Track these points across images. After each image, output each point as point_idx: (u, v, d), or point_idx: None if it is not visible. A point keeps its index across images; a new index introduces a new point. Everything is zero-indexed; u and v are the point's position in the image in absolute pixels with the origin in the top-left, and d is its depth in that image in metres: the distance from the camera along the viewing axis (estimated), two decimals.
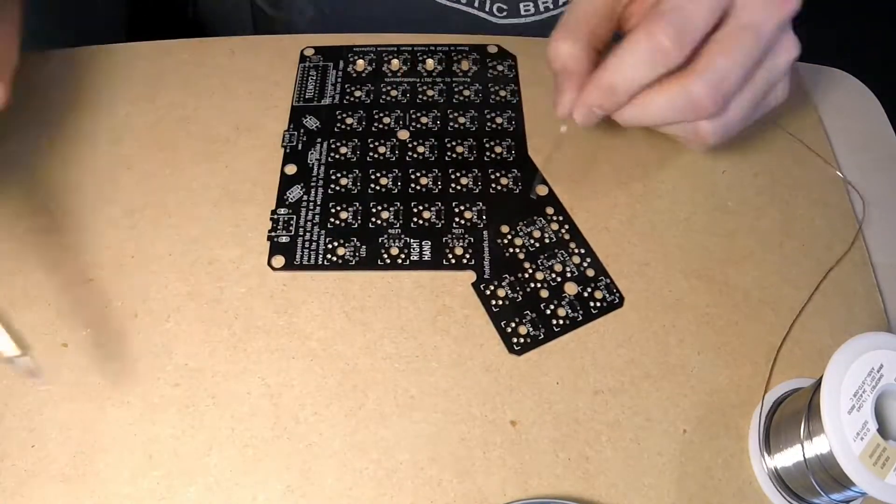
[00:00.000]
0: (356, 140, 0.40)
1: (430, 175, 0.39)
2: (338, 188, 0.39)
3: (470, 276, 0.36)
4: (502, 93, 0.43)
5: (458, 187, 0.39)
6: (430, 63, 0.43)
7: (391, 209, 0.38)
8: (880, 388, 0.28)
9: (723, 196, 0.40)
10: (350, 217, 0.38)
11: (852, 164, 0.42)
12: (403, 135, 0.41)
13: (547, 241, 0.37)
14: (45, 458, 0.31)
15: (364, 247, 0.37)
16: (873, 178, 0.41)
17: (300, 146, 0.40)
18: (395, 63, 0.43)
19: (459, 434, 0.32)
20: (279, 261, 0.36)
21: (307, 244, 0.37)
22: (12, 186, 0.38)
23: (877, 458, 0.27)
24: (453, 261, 0.36)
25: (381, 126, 0.41)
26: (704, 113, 0.32)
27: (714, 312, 0.36)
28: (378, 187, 0.39)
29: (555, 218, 0.38)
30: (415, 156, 0.40)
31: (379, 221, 0.38)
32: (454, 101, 0.42)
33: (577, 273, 0.36)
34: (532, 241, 0.37)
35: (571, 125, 0.35)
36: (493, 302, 0.35)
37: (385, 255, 0.36)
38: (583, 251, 0.37)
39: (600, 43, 0.35)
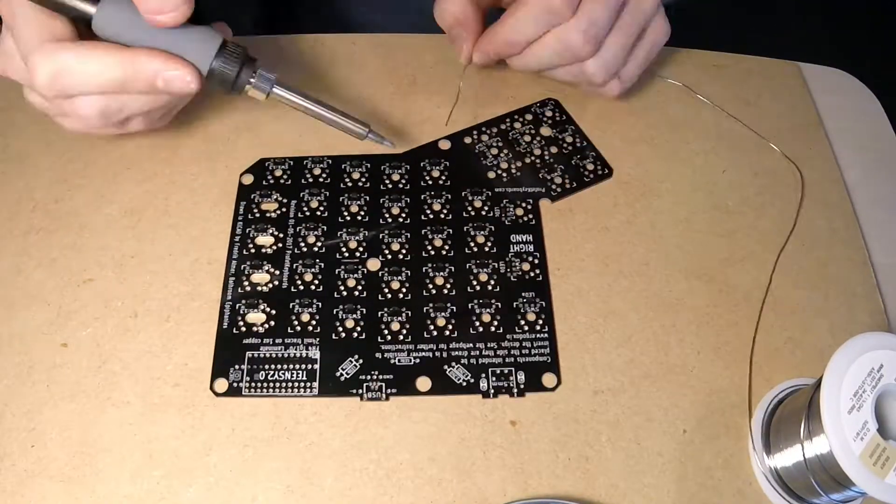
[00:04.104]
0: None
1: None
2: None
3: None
4: None
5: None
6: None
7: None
8: (880, 388, 0.28)
9: (723, 196, 0.40)
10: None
11: (852, 164, 0.42)
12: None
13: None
14: (45, 458, 0.31)
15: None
16: (873, 178, 0.41)
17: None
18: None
19: (459, 434, 0.32)
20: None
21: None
22: (12, 186, 0.38)
23: (877, 458, 0.27)
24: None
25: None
26: (582, 55, 0.36)
27: (714, 312, 0.36)
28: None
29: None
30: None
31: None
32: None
33: None
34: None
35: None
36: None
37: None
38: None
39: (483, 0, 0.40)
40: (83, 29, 0.33)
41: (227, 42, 0.33)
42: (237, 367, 0.33)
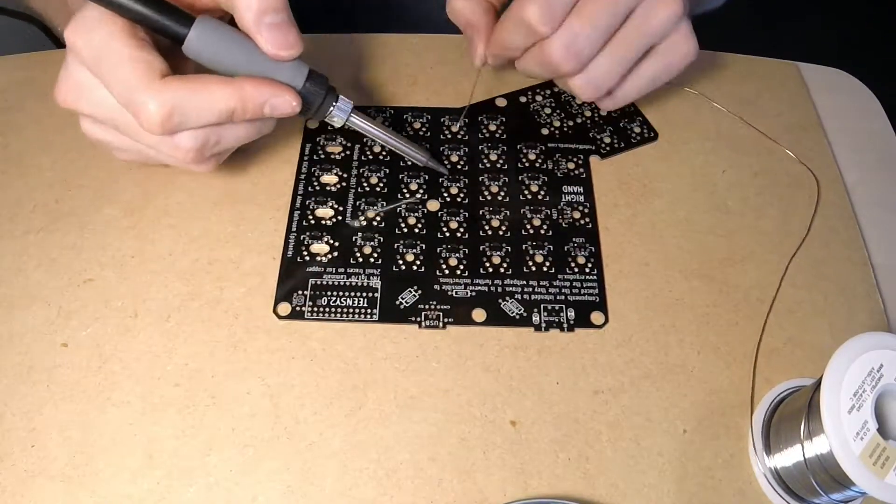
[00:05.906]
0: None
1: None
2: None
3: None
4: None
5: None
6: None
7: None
8: (880, 387, 0.28)
9: (723, 196, 0.40)
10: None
11: (852, 164, 0.42)
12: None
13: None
14: (45, 458, 0.31)
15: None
16: (873, 178, 0.41)
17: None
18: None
19: (459, 434, 0.32)
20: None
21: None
22: (12, 186, 0.39)
23: (877, 457, 0.27)
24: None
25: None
26: (561, 70, 0.34)
27: (714, 312, 0.36)
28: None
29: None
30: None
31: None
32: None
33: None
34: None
35: None
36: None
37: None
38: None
39: None
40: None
41: (312, 69, 0.34)
42: (300, 292, 0.35)
